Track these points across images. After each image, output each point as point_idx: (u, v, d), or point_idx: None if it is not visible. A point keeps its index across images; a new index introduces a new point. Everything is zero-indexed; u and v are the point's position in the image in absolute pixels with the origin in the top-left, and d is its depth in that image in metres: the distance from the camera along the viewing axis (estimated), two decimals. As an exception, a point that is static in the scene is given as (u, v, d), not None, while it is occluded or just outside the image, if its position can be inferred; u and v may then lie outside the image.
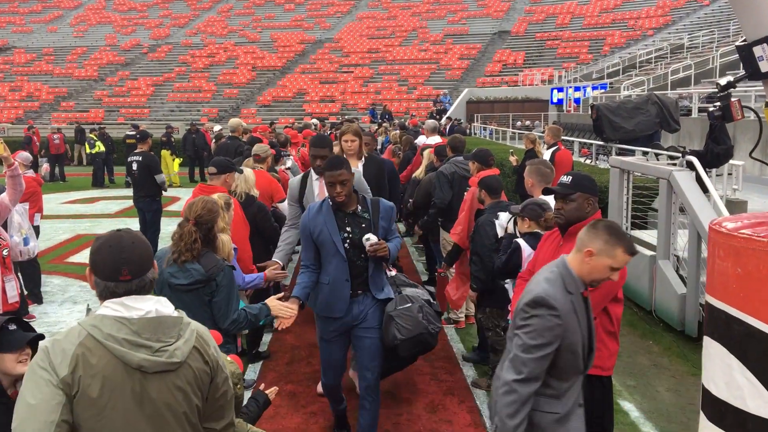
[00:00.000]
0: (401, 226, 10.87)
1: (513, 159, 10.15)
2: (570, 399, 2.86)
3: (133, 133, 19.83)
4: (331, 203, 4.04)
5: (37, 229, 8.26)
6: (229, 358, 2.67)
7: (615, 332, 3.43)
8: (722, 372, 1.91)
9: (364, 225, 4.01)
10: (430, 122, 10.75)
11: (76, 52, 47.34)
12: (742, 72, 2.44)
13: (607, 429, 3.56)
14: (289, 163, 8.67)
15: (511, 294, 4.30)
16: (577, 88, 27.03)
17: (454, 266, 6.11)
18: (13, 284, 4.58)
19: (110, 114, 38.01)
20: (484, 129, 27.54)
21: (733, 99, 2.82)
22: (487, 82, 37.85)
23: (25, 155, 8.23)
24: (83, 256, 10.46)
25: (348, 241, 3.99)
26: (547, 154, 9.10)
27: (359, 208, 4.05)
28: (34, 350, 2.62)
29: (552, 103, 30.17)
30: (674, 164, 7.54)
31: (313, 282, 4.09)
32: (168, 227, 9.14)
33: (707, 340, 2.00)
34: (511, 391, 2.70)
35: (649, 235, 7.74)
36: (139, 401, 1.98)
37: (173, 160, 19.98)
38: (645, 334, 6.63)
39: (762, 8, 2.22)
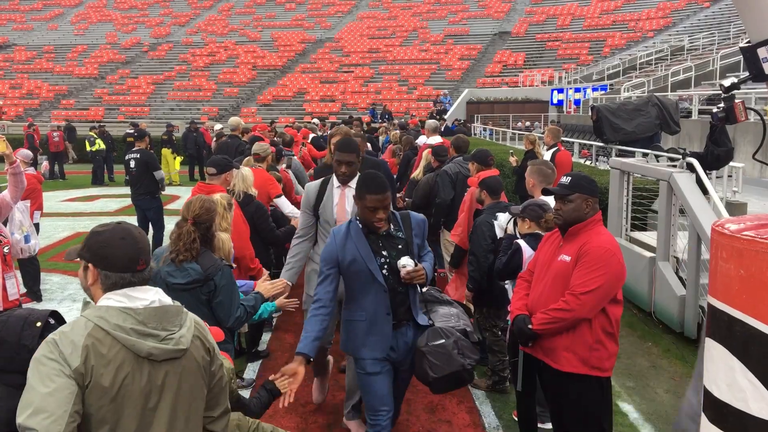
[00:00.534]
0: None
1: (513, 160, 10.14)
2: None
3: (133, 131, 19.84)
4: (360, 225, 3.55)
5: (36, 227, 8.24)
6: (220, 354, 2.69)
7: (614, 333, 3.43)
8: (724, 374, 1.91)
9: (400, 246, 3.56)
10: (431, 122, 10.74)
11: (77, 50, 47.33)
12: (745, 73, 2.44)
13: (606, 430, 3.56)
14: (286, 164, 8.64)
15: (510, 295, 4.30)
16: (577, 90, 27.05)
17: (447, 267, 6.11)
18: (14, 281, 4.57)
19: (110, 112, 37.99)
20: (484, 129, 27.54)
21: (737, 100, 2.82)
22: (488, 83, 37.86)
23: (26, 152, 8.22)
24: (83, 254, 10.44)
25: (386, 267, 3.51)
26: (547, 155, 9.09)
27: (391, 226, 3.59)
28: None
29: (552, 104, 30.19)
30: (674, 166, 7.54)
31: (324, 329, 3.51)
32: (169, 225, 9.17)
33: (709, 342, 2.00)
34: None
35: (649, 237, 7.75)
36: (150, 389, 2.03)
37: (174, 158, 19.97)
38: (644, 336, 6.63)
39: (766, 10, 2.22)
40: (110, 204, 16.04)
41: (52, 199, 15.84)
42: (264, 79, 41.80)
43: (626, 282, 3.59)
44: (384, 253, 3.52)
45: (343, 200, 4.35)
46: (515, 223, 4.55)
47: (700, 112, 15.08)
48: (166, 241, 4.23)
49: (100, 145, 20.37)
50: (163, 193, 9.76)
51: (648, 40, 37.24)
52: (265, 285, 3.93)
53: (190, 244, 3.59)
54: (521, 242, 4.25)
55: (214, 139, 16.34)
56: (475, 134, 26.67)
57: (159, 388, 2.04)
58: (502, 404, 5.09)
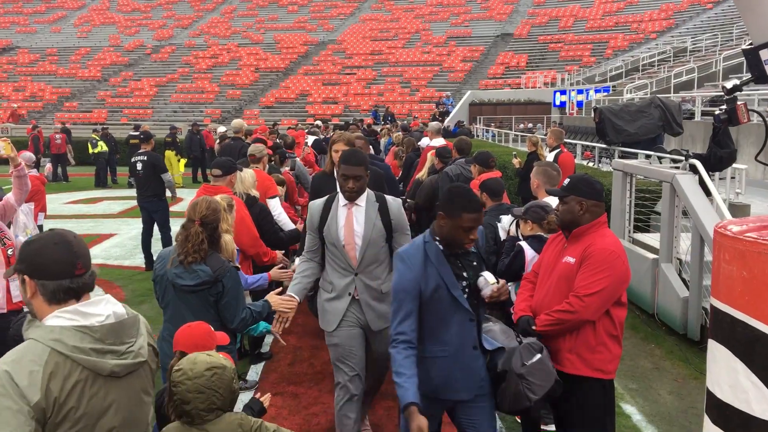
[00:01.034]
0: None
1: (516, 162, 10.14)
2: None
3: (137, 133, 19.85)
4: (442, 246, 3.10)
5: (40, 229, 8.28)
6: (220, 355, 2.70)
7: (618, 336, 3.42)
8: (727, 375, 1.91)
9: (475, 263, 3.21)
10: (434, 124, 10.74)
11: (80, 52, 47.45)
12: (747, 75, 2.45)
13: (609, 432, 3.56)
14: (289, 166, 8.65)
15: (513, 297, 4.30)
16: (579, 91, 27.04)
17: None
18: (18, 284, 4.58)
19: (113, 114, 38.06)
20: (487, 131, 27.54)
21: (739, 102, 2.82)
22: (490, 85, 37.85)
23: (28, 155, 8.25)
24: (86, 256, 10.46)
25: (467, 290, 3.13)
26: (550, 157, 9.09)
27: None
28: None
29: (555, 105, 30.17)
30: (677, 167, 7.53)
31: (415, 367, 2.97)
32: (174, 228, 9.20)
33: (712, 344, 2.00)
34: None
35: (652, 239, 7.74)
36: (115, 404, 1.99)
37: (178, 160, 20.01)
38: (647, 337, 6.63)
39: (768, 12, 2.22)
40: (113, 206, 16.07)
41: (56, 202, 15.88)
42: (266, 81, 41.86)
43: (629, 284, 3.58)
44: (464, 274, 3.13)
45: (350, 220, 3.88)
46: (518, 225, 4.55)
47: (703, 113, 15.05)
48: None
49: (102, 147, 20.41)
50: (169, 196, 9.72)
51: (651, 42, 37.21)
52: (275, 298, 3.91)
53: (199, 245, 3.59)
54: (523, 244, 4.25)
55: (217, 141, 16.38)
56: (477, 136, 26.67)
57: (122, 402, 2.01)
58: (505, 406, 5.08)
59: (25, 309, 2.82)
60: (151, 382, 2.18)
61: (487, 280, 3.10)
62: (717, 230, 2.00)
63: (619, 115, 11.49)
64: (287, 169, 8.29)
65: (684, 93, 19.20)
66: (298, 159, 9.37)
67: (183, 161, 20.28)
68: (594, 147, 14.23)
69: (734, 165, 8.04)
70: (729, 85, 2.80)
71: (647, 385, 5.52)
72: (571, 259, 3.41)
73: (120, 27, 52.65)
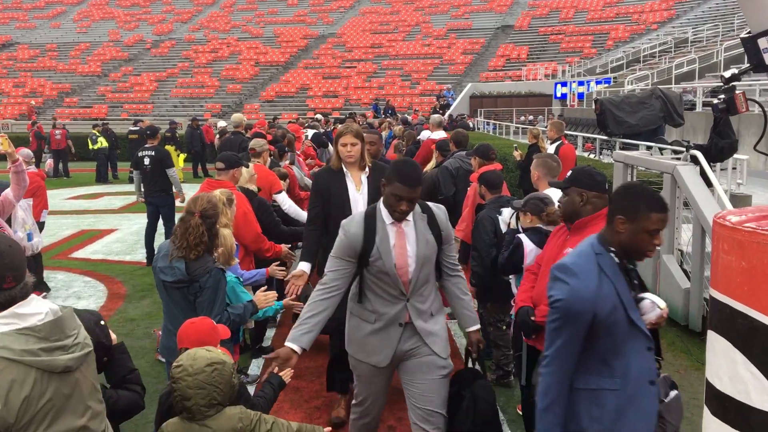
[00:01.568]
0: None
1: (517, 154, 10.13)
2: None
3: (136, 128, 19.86)
4: (617, 259, 2.63)
5: (42, 225, 8.29)
6: (219, 350, 2.71)
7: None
8: (726, 366, 1.90)
9: (636, 281, 2.78)
10: (435, 117, 10.73)
11: (80, 47, 47.38)
12: (746, 65, 2.44)
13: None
14: (289, 160, 8.65)
15: (515, 289, 4.30)
16: (580, 83, 26.97)
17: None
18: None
19: (114, 110, 38.04)
20: (488, 124, 27.50)
21: (737, 92, 2.80)
22: (491, 77, 37.76)
23: (26, 152, 8.25)
24: (87, 252, 10.49)
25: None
26: (551, 149, 9.08)
27: None
28: None
29: (555, 97, 30.09)
30: (678, 159, 7.51)
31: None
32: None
33: (711, 335, 2.00)
34: None
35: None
36: (71, 397, 2.01)
37: (178, 155, 20.01)
38: (649, 329, 6.62)
39: (767, 1, 2.21)
40: (114, 201, 16.08)
41: (57, 197, 15.89)
42: (267, 75, 41.79)
43: (630, 275, 3.56)
44: (632, 293, 2.66)
45: (402, 241, 3.35)
46: (518, 218, 4.54)
47: (704, 104, 15.00)
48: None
49: (102, 143, 20.41)
50: (175, 192, 9.71)
51: (652, 33, 37.09)
52: (259, 296, 3.92)
53: (200, 237, 3.57)
54: (522, 236, 4.24)
55: (217, 136, 16.36)
56: (478, 128, 26.63)
57: (78, 394, 2.03)
58: (507, 398, 5.09)
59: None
60: (94, 366, 2.21)
61: (655, 303, 2.64)
62: (716, 221, 1.99)
63: (620, 107, 11.46)
64: (287, 162, 8.29)
65: (685, 84, 19.15)
66: (296, 155, 9.35)
67: (182, 156, 20.27)
68: (595, 139, 14.21)
69: (735, 155, 8.02)
70: (727, 74, 2.78)
71: (648, 377, 5.52)
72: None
73: (119, 22, 52.56)
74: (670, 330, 6.54)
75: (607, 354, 2.54)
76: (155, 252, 3.91)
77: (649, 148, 9.65)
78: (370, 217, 3.38)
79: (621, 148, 10.79)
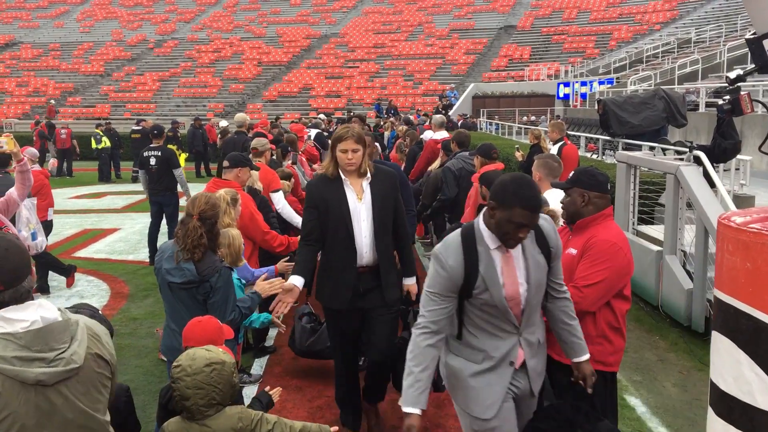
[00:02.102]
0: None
1: (518, 155, 10.13)
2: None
3: (139, 128, 19.88)
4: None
5: (50, 224, 8.35)
6: (220, 349, 2.71)
7: (620, 328, 3.42)
8: (731, 367, 1.90)
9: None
10: (438, 117, 10.72)
11: (83, 47, 47.44)
12: (751, 65, 2.43)
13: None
14: (291, 160, 8.64)
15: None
16: (583, 83, 26.93)
17: None
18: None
19: (116, 109, 38.07)
20: (490, 124, 27.48)
21: (742, 92, 2.80)
22: (493, 77, 37.73)
23: (32, 151, 8.28)
24: (90, 251, 10.51)
25: None
26: (553, 150, 9.07)
27: None
28: None
29: (558, 98, 30.06)
30: (681, 159, 7.50)
31: None
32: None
33: (716, 335, 1.99)
34: None
35: (656, 231, 7.72)
36: (47, 414, 1.90)
37: (180, 155, 20.02)
38: (651, 330, 6.62)
39: (772, 1, 2.20)
40: (117, 201, 16.10)
41: (60, 196, 15.89)
42: (269, 75, 41.81)
43: (633, 276, 3.58)
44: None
45: (511, 268, 2.90)
46: None
47: (707, 104, 15.00)
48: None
49: (106, 142, 20.44)
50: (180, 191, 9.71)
51: (655, 33, 37.04)
52: (263, 285, 3.92)
53: (198, 240, 3.57)
54: None
55: (219, 135, 16.39)
56: (481, 128, 26.62)
57: (58, 410, 1.92)
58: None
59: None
60: (100, 390, 2.03)
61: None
62: (720, 221, 1.99)
63: (623, 107, 11.44)
64: (289, 162, 8.30)
65: (688, 84, 19.13)
66: (298, 155, 9.35)
67: (184, 156, 20.28)
68: (598, 139, 14.19)
69: (739, 156, 8.00)
70: (732, 75, 2.78)
71: (652, 378, 5.52)
72: (573, 251, 3.41)
73: (122, 21, 52.62)
74: (673, 331, 6.54)
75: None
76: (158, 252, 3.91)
77: (652, 148, 9.64)
78: (469, 240, 2.86)
79: (624, 149, 10.78)
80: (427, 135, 10.26)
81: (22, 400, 1.86)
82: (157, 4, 55.94)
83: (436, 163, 8.11)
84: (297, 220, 6.26)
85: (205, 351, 2.62)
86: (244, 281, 4.40)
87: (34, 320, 1.89)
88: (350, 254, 4.04)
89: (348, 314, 4.17)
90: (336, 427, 2.92)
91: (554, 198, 4.33)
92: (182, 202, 9.54)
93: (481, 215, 2.94)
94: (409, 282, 4.33)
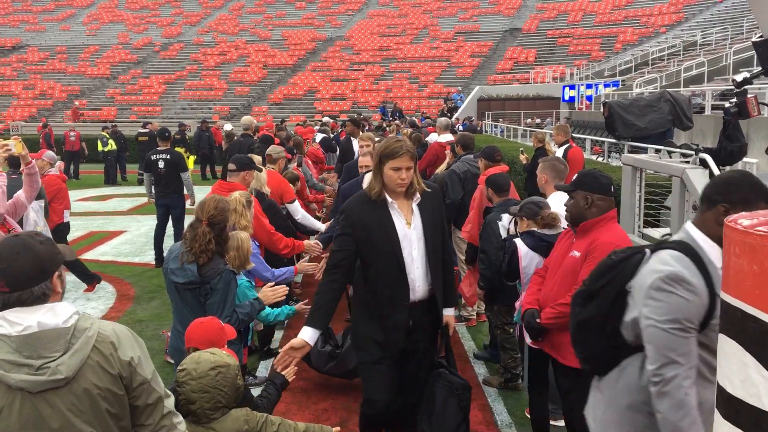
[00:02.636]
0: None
1: (523, 158, 10.13)
2: None
3: (145, 130, 19.95)
4: None
5: (67, 226, 8.41)
6: (224, 352, 2.71)
7: (624, 331, 3.42)
8: (738, 370, 1.90)
9: None
10: (443, 120, 10.73)
11: (89, 50, 47.64)
12: (758, 68, 2.43)
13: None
14: (297, 162, 8.67)
15: (520, 291, 4.30)
16: (589, 86, 26.89)
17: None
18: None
19: (123, 112, 38.21)
20: (495, 126, 27.48)
21: (749, 95, 2.80)
22: (499, 80, 37.73)
23: (50, 154, 8.40)
24: (96, 253, 10.54)
25: None
26: (559, 152, 9.07)
27: None
28: None
29: (564, 100, 30.03)
30: (687, 162, 7.49)
31: None
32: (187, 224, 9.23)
33: (722, 338, 1.99)
34: None
35: (662, 234, 7.70)
36: (32, 422, 1.87)
37: (187, 157, 20.06)
38: (657, 333, 6.59)
39: (778, 4, 2.20)
40: (123, 203, 16.14)
41: (66, 199, 15.95)
42: (275, 77, 41.90)
43: (639, 278, 3.55)
44: None
45: None
46: (516, 223, 4.55)
47: (713, 107, 14.95)
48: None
49: (112, 145, 20.53)
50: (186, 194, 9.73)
51: (660, 36, 36.98)
52: (266, 292, 3.92)
53: (206, 245, 3.60)
54: (517, 241, 4.23)
55: (225, 138, 16.43)
56: (486, 131, 26.61)
57: (48, 418, 1.88)
58: (515, 401, 5.08)
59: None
60: (104, 406, 1.95)
61: None
62: (727, 224, 1.98)
63: (629, 110, 11.43)
64: (294, 165, 8.32)
65: (694, 87, 19.08)
66: (303, 158, 9.38)
67: (192, 158, 20.33)
68: (603, 142, 14.18)
69: (745, 159, 7.98)
70: (739, 78, 2.78)
71: (657, 381, 5.49)
72: (576, 254, 3.41)
73: (129, 24, 52.83)
74: (678, 334, 6.51)
75: None
76: (164, 254, 3.94)
77: (657, 151, 9.62)
78: (696, 258, 2.34)
79: (629, 152, 10.76)
80: (433, 137, 10.27)
81: (7, 403, 1.85)
82: (163, 7, 56.15)
83: (443, 166, 8.12)
84: (318, 226, 6.33)
85: (209, 354, 2.62)
86: (252, 283, 4.42)
87: (29, 325, 1.86)
88: (402, 290, 3.45)
89: (394, 360, 3.56)
90: (338, 428, 2.92)
91: (558, 201, 4.33)
92: (187, 204, 9.61)
93: (691, 228, 2.42)
94: (450, 313, 3.75)
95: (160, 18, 54.03)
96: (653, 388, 2.31)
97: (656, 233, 7.89)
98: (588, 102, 25.79)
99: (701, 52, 26.25)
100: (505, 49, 42.02)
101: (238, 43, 47.12)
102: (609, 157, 13.74)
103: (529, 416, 4.46)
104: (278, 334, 6.47)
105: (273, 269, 4.66)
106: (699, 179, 6.67)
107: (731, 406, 1.93)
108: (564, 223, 3.99)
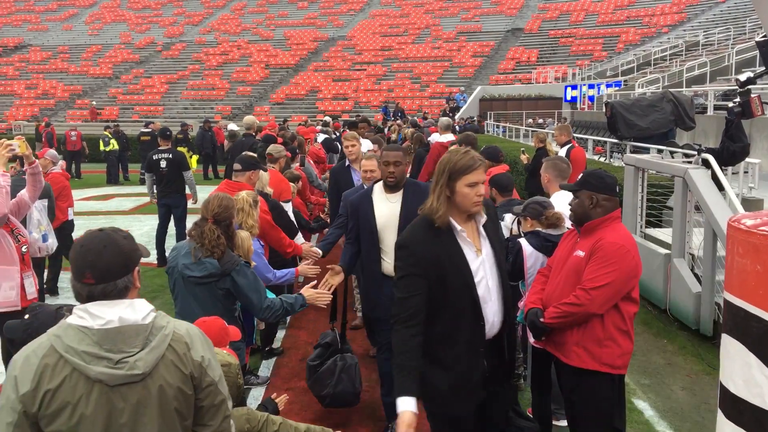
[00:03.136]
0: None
1: (524, 158, 10.13)
2: None
3: (147, 130, 19.97)
4: None
5: (71, 223, 8.42)
6: (225, 351, 2.72)
7: (628, 331, 3.42)
8: (741, 370, 1.90)
9: None
10: (444, 120, 10.72)
11: (91, 50, 47.68)
12: (761, 68, 2.43)
13: (618, 428, 3.55)
14: (299, 162, 8.67)
15: (522, 290, 4.30)
16: (591, 86, 26.87)
17: None
18: (32, 281, 4.63)
19: (125, 111, 38.24)
20: (497, 127, 27.47)
21: (753, 95, 2.80)
22: (501, 80, 37.70)
23: (53, 153, 8.41)
24: (99, 253, 10.53)
25: None
26: (562, 152, 9.06)
27: None
28: None
29: (566, 100, 30.01)
30: (689, 162, 7.48)
31: None
32: (189, 224, 9.24)
33: (726, 338, 1.99)
34: None
35: (664, 234, 7.70)
36: (108, 412, 1.90)
37: (190, 156, 20.07)
38: (659, 333, 6.60)
39: (782, 4, 2.20)
40: (125, 203, 16.16)
41: (68, 198, 15.97)
42: (277, 77, 41.91)
43: (641, 279, 3.57)
44: None
45: None
46: (519, 223, 4.55)
47: (716, 107, 14.93)
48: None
49: (114, 145, 20.54)
50: (188, 193, 9.71)
51: (662, 36, 36.94)
52: (310, 291, 3.96)
53: (216, 241, 3.65)
54: (522, 241, 4.23)
55: (227, 138, 16.44)
56: (488, 131, 26.60)
57: (120, 411, 1.91)
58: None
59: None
60: (170, 398, 1.97)
61: None
62: (731, 224, 1.99)
63: (631, 110, 11.42)
64: (297, 164, 8.33)
65: (696, 87, 19.06)
66: (306, 158, 9.38)
67: (195, 158, 20.34)
68: (605, 142, 14.17)
69: (747, 159, 7.98)
70: (743, 77, 2.78)
71: (659, 381, 5.50)
72: (581, 253, 3.42)
73: (131, 24, 52.88)
74: (681, 334, 6.52)
75: None
76: (167, 252, 3.95)
77: (660, 151, 9.61)
78: None
79: (632, 152, 10.76)
80: (434, 137, 10.27)
81: (85, 393, 1.88)
82: (165, 7, 56.19)
83: None
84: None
85: None
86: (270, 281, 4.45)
87: (111, 319, 1.91)
88: (477, 330, 2.88)
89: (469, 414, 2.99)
90: (340, 430, 2.92)
91: (563, 200, 4.33)
92: (189, 204, 9.62)
93: None
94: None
95: (162, 18, 54.07)
96: None
97: (658, 233, 7.89)
98: (590, 102, 25.77)
99: (704, 52, 26.23)
100: (507, 49, 41.99)
101: (240, 42, 47.14)
102: (611, 157, 13.73)
103: (531, 416, 4.46)
104: (280, 333, 6.47)
105: (275, 270, 4.66)
106: (701, 179, 6.67)
107: (734, 406, 1.93)
108: (568, 223, 3.99)
